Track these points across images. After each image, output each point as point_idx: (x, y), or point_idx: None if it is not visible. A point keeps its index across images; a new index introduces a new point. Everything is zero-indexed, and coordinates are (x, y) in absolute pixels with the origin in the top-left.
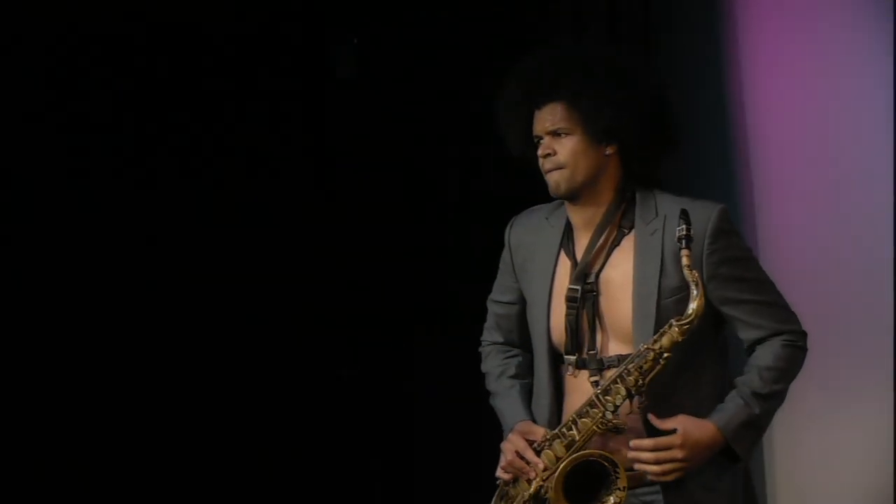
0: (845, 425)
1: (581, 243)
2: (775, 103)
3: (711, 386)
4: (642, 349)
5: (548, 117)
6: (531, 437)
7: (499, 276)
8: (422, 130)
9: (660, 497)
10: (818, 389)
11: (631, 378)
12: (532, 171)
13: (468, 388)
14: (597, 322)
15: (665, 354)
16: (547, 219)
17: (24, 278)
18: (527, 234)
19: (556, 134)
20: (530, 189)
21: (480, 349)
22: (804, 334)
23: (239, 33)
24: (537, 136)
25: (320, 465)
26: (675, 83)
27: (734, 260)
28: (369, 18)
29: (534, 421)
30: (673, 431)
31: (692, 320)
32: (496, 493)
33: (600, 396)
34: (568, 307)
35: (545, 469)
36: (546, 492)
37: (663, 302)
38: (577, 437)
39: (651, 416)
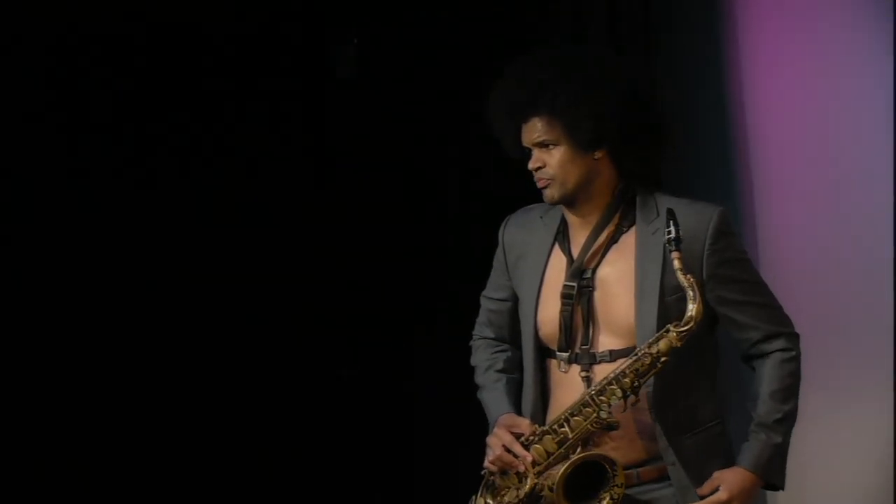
0: (845, 425)
1: (577, 241)
2: (775, 103)
3: (710, 382)
4: (640, 353)
5: (533, 130)
6: (516, 430)
7: (492, 273)
8: (422, 130)
9: (662, 492)
10: (818, 389)
11: (626, 380)
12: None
13: (468, 388)
14: (591, 317)
15: (662, 359)
16: (541, 217)
17: (24, 278)
18: (520, 232)
19: (543, 145)
20: (530, 189)
21: (471, 343)
22: (798, 336)
23: (239, 33)
24: (526, 147)
25: (320, 465)
26: (675, 83)
27: (734, 261)
28: (369, 18)
29: (519, 414)
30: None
31: (691, 327)
32: (482, 484)
33: (594, 397)
34: (563, 303)
35: (534, 463)
36: (542, 490)
37: (667, 299)
38: (570, 435)
39: (698, 492)
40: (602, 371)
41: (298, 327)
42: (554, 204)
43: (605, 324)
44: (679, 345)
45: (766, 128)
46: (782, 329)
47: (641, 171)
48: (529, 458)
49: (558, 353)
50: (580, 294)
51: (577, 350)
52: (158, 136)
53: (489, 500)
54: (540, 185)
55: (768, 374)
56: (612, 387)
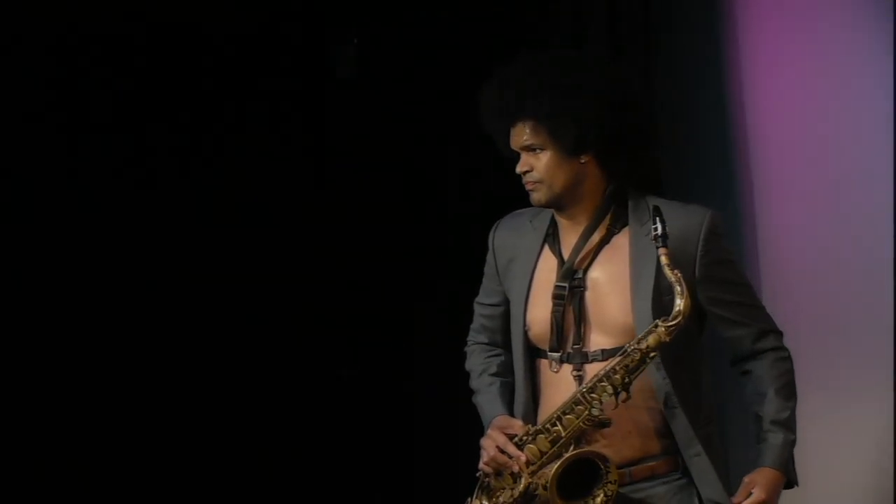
0: (845, 425)
1: (568, 243)
2: (775, 103)
3: (707, 377)
4: (629, 349)
5: (520, 134)
6: (510, 431)
7: (484, 279)
8: (422, 130)
9: (654, 490)
10: (818, 389)
11: (617, 377)
12: None
13: (468, 388)
14: (582, 317)
15: (651, 354)
16: (531, 221)
17: (24, 278)
18: (510, 236)
19: (530, 149)
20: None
21: (465, 349)
22: (782, 335)
23: (239, 33)
24: (515, 151)
25: (320, 465)
26: (675, 83)
27: (725, 262)
28: (369, 18)
29: (512, 416)
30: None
31: (679, 321)
32: (477, 486)
33: (585, 394)
34: (554, 304)
35: (528, 462)
36: (536, 489)
37: (663, 299)
38: (563, 433)
39: (733, 500)
40: (594, 370)
41: (298, 327)
42: (541, 207)
43: (598, 323)
44: (668, 339)
45: (766, 128)
46: (772, 327)
47: (632, 172)
48: (523, 458)
49: (549, 353)
50: (572, 294)
51: (569, 350)
52: (158, 136)
53: (484, 502)
54: (528, 188)
55: (768, 373)
56: (603, 384)
